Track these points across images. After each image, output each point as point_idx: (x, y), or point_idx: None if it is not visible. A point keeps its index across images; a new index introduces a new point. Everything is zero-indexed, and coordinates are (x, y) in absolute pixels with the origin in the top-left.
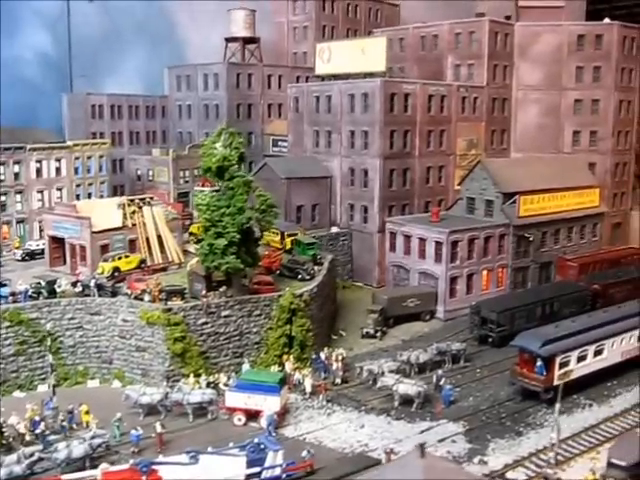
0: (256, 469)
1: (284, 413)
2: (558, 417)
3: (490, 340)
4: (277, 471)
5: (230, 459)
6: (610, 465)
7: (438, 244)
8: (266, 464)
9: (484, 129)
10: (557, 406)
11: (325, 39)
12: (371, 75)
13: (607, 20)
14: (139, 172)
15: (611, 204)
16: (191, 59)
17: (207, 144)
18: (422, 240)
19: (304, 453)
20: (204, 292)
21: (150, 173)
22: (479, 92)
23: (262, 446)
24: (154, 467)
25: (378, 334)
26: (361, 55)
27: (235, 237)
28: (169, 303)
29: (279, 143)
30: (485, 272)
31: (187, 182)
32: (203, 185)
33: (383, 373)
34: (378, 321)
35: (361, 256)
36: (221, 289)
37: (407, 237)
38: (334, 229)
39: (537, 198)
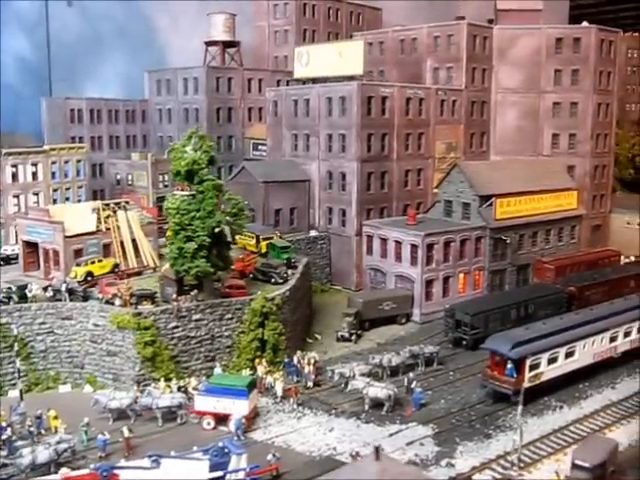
0: (219, 473)
1: (254, 417)
2: (521, 420)
3: (464, 343)
4: (241, 475)
5: (192, 463)
6: (574, 466)
7: (414, 247)
8: (230, 468)
9: (463, 132)
10: (519, 408)
11: (306, 43)
12: (349, 78)
13: (585, 24)
14: (118, 176)
15: (590, 206)
16: (172, 63)
17: (177, 148)
18: (398, 243)
19: (269, 457)
20: (174, 296)
21: (129, 177)
22: (458, 95)
23: (226, 450)
24: (115, 471)
25: (353, 337)
26: (339, 58)
27: (205, 241)
28: (139, 307)
29: (259, 147)
30: (462, 275)
31: (166, 186)
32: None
33: (354, 376)
34: (353, 324)
35: (340, 259)
36: (192, 293)
37: (383, 240)
38: (313, 233)
39: (514, 201)
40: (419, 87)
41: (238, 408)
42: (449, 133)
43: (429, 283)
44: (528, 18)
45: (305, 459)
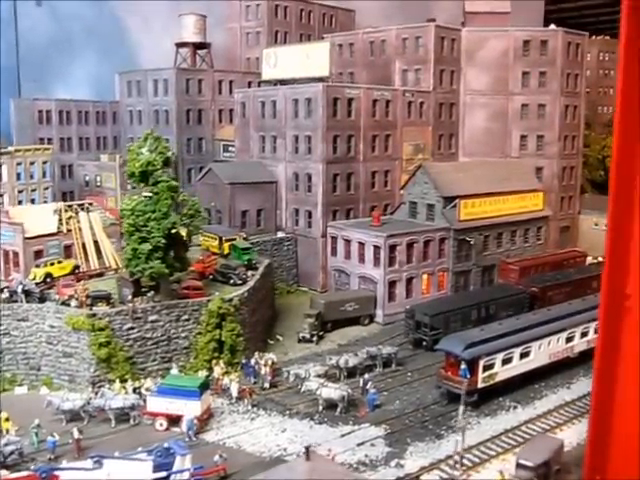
0: (163, 473)
1: (208, 418)
2: (463, 421)
3: (424, 344)
4: (185, 475)
5: (136, 464)
6: (518, 466)
7: (376, 248)
8: (174, 468)
9: (431, 133)
10: (460, 409)
11: (278, 44)
12: (315, 80)
13: (553, 26)
14: (87, 178)
15: (559, 208)
16: (144, 64)
17: (133, 149)
18: (361, 244)
19: (216, 458)
20: (130, 297)
21: (98, 179)
22: (425, 97)
23: (171, 450)
24: (55, 473)
25: (314, 338)
26: (306, 60)
27: (160, 242)
28: (94, 308)
29: (230, 148)
30: (425, 276)
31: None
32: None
33: (308, 377)
34: (314, 325)
35: (306, 261)
36: (148, 294)
37: (347, 241)
38: (280, 234)
39: (478, 202)
40: (386, 89)
41: (190, 409)
42: (417, 135)
43: (392, 284)
44: (496, 20)
45: (255, 460)
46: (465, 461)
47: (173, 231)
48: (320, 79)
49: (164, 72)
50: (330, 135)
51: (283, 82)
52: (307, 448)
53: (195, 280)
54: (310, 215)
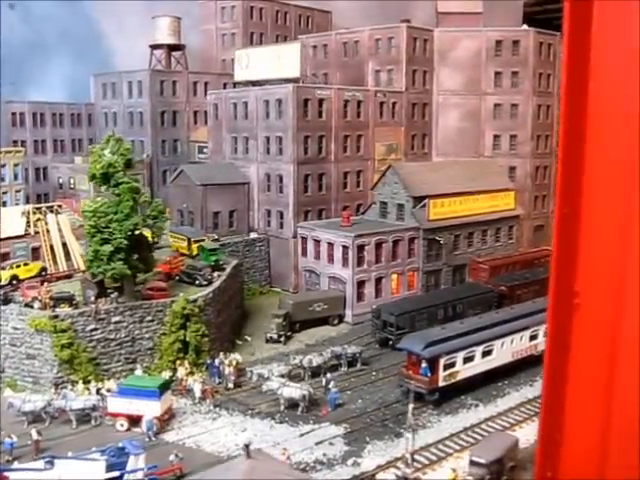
0: (116, 473)
1: (169, 418)
2: (412, 419)
3: (390, 343)
4: (139, 475)
5: (88, 463)
6: (471, 463)
7: (345, 248)
8: (127, 468)
9: (404, 134)
10: (410, 407)
11: (254, 46)
12: (287, 81)
13: (525, 26)
14: (61, 180)
15: (532, 207)
16: (120, 67)
17: (95, 151)
18: (330, 244)
19: (172, 457)
20: (93, 298)
21: (71, 181)
22: (398, 97)
23: (126, 450)
24: (5, 473)
25: (282, 339)
26: (277, 61)
27: (123, 243)
28: (57, 310)
29: (205, 150)
30: (395, 276)
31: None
32: None
33: (270, 377)
34: (282, 326)
35: (278, 261)
36: (112, 295)
37: (317, 242)
38: (253, 235)
39: (448, 202)
40: (357, 89)
41: (150, 409)
42: (389, 135)
43: (360, 284)
44: (469, 21)
45: (212, 459)
46: (422, 459)
47: (137, 232)
48: (291, 80)
49: (138, 74)
50: (301, 136)
51: (255, 83)
52: (246, 446)
53: (161, 281)
54: (282, 216)
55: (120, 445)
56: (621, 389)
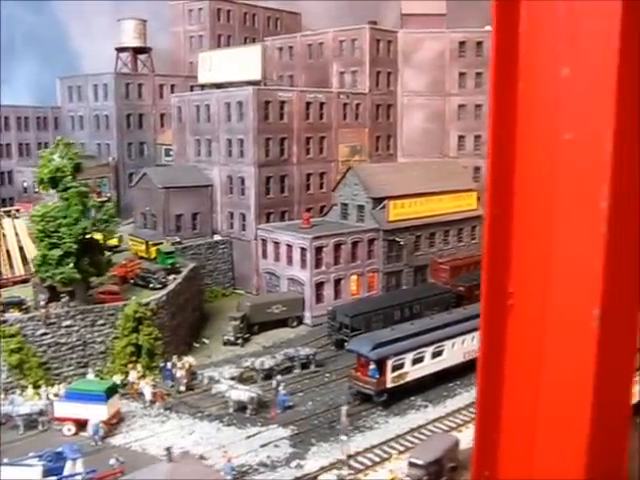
0: (53, 478)
1: (118, 422)
2: (346, 421)
3: (346, 344)
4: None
5: (24, 469)
6: (410, 464)
7: (303, 250)
8: (65, 473)
9: (368, 135)
10: (344, 409)
11: (219, 48)
12: (249, 83)
13: (488, 27)
14: (25, 184)
15: None
16: (88, 69)
17: (45, 155)
18: (289, 246)
19: (112, 461)
20: (43, 303)
21: (35, 185)
22: (361, 98)
23: (63, 455)
24: None
25: (239, 341)
26: (240, 64)
27: (72, 247)
28: (6, 315)
29: (171, 153)
30: (354, 277)
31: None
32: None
33: (220, 380)
34: (239, 328)
35: (241, 264)
36: (63, 299)
37: (276, 244)
38: (217, 237)
39: (409, 202)
40: (320, 91)
41: (97, 413)
42: (353, 136)
43: (319, 286)
44: (432, 22)
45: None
46: (365, 460)
47: (87, 236)
48: (253, 82)
49: (104, 77)
50: (262, 138)
51: (219, 86)
52: (168, 449)
53: (117, 284)
54: (244, 218)
55: (58, 450)
56: (550, 388)
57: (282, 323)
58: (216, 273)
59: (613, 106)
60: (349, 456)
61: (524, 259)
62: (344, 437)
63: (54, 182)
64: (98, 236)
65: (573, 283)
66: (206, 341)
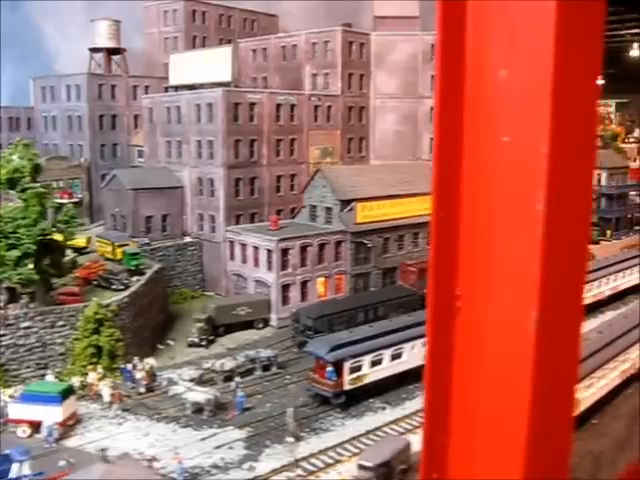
0: None
1: (74, 423)
2: (293, 423)
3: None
4: None
5: None
6: (359, 466)
7: (269, 252)
8: (10, 475)
9: (340, 137)
10: (290, 411)
11: (193, 49)
12: (219, 85)
13: None
14: None
15: None
16: (63, 70)
17: (4, 156)
18: (256, 248)
19: (62, 463)
20: (0, 304)
21: None
22: (333, 101)
23: (10, 458)
24: None
25: (204, 343)
26: (210, 65)
27: (30, 248)
28: None
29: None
30: (322, 279)
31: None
32: (62, 197)
33: (178, 381)
34: (204, 330)
35: (211, 265)
36: (22, 301)
37: (243, 246)
38: (187, 239)
39: (377, 205)
40: (291, 93)
41: (52, 415)
42: (324, 138)
43: (285, 288)
44: (405, 24)
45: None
46: (319, 462)
47: (48, 237)
48: (223, 84)
49: (76, 77)
50: (231, 140)
51: (190, 87)
52: (103, 450)
53: (80, 286)
54: (213, 220)
55: (5, 452)
56: (490, 391)
57: (248, 325)
58: (185, 275)
59: (548, 109)
60: (302, 458)
61: (470, 261)
62: (291, 439)
63: (12, 183)
64: (59, 237)
65: (512, 286)
66: (171, 342)
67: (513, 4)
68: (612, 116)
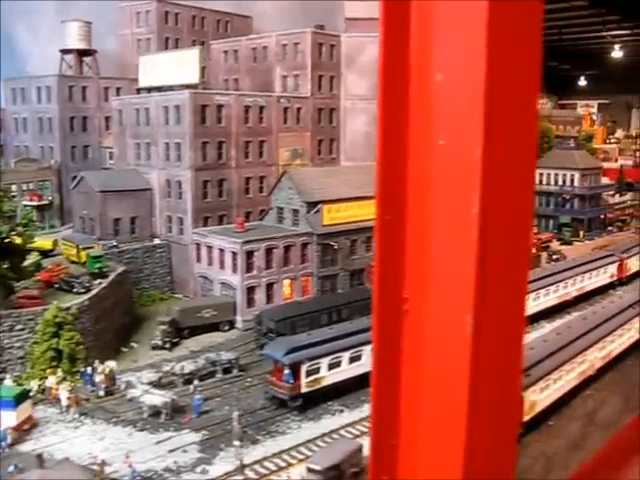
0: None
1: (29, 428)
2: (237, 427)
3: None
4: None
5: None
6: (308, 470)
7: (234, 254)
8: None
9: (310, 139)
10: (235, 415)
11: (164, 51)
12: (187, 87)
13: None
14: None
15: None
16: (34, 72)
17: None
18: (221, 251)
19: (11, 468)
20: None
21: None
22: (303, 102)
23: None
24: None
25: (167, 345)
26: (178, 67)
27: None
28: None
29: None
30: (287, 281)
31: (14, 196)
32: (31, 199)
33: (135, 385)
34: (167, 332)
35: (179, 268)
36: None
37: (209, 248)
38: (156, 241)
39: (344, 206)
40: (259, 95)
41: (5, 419)
42: (294, 140)
43: (251, 290)
44: (376, 26)
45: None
46: (271, 465)
47: (6, 240)
48: (191, 86)
49: (47, 79)
50: (199, 142)
51: (160, 89)
52: (39, 456)
53: (40, 289)
54: (182, 222)
55: None
56: (431, 395)
57: (214, 327)
58: (154, 277)
59: (482, 112)
60: (255, 461)
61: (416, 264)
62: (237, 442)
63: None
64: (18, 240)
65: (451, 290)
66: (135, 345)
67: (449, 4)
68: (594, 117)
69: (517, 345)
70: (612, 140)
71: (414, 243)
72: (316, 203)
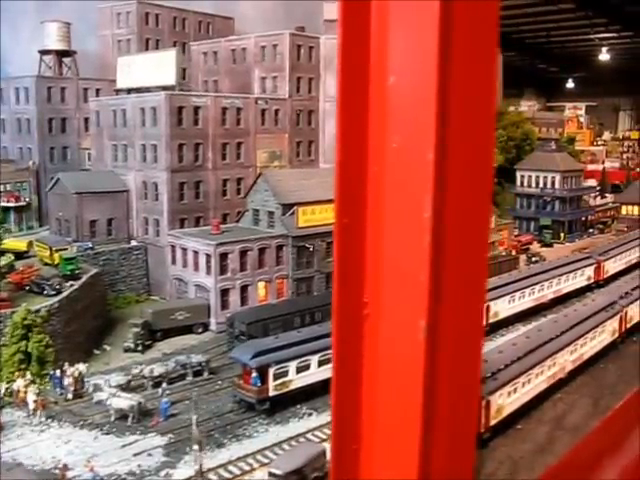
0: None
1: None
2: (197, 431)
3: None
4: None
5: None
6: (269, 474)
7: (208, 256)
8: None
9: (288, 141)
10: (194, 418)
11: (142, 52)
12: (164, 88)
13: None
14: None
15: None
16: (14, 73)
17: None
18: (196, 253)
19: None
20: None
21: None
22: (281, 104)
23: None
24: None
25: (139, 348)
26: (155, 68)
27: None
28: None
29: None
30: (262, 283)
31: None
32: (8, 201)
33: (102, 388)
34: (140, 335)
35: (156, 270)
36: None
37: (184, 250)
38: (133, 243)
39: (319, 209)
40: (237, 96)
41: None
42: (272, 142)
43: (225, 292)
44: None
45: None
46: (235, 469)
47: None
48: (168, 88)
49: (25, 80)
50: (175, 144)
51: (138, 90)
52: None
53: (10, 291)
54: (158, 224)
55: None
56: (387, 399)
57: (187, 330)
58: (130, 279)
59: (433, 115)
60: (219, 465)
61: (375, 268)
62: (196, 447)
63: None
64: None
65: (406, 294)
66: (107, 348)
67: (402, 4)
68: (582, 119)
69: (475, 349)
70: (599, 142)
71: (373, 247)
72: (292, 205)
